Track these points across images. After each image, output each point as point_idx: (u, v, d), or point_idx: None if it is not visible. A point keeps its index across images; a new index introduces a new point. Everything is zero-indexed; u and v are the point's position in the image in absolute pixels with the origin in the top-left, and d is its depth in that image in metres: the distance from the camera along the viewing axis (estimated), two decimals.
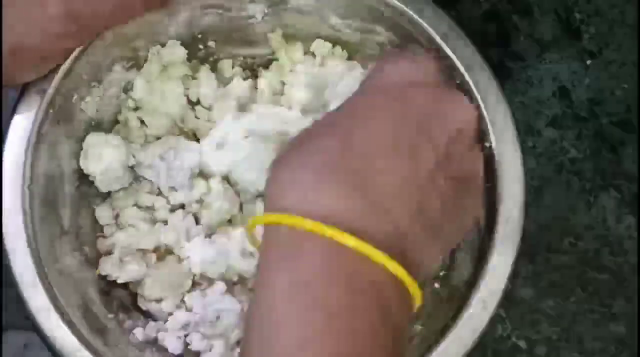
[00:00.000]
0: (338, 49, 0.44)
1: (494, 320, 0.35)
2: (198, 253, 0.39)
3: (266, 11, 0.42)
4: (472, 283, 0.35)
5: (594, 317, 0.48)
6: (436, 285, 0.39)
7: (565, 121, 0.51)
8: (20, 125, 0.36)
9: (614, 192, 0.50)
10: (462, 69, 0.37)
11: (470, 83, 0.37)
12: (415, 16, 0.38)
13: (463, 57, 0.37)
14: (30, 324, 0.45)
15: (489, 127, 0.36)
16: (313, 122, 0.31)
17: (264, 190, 0.29)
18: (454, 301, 0.36)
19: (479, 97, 0.36)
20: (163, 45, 0.42)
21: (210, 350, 0.39)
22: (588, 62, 0.52)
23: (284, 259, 0.26)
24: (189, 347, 0.39)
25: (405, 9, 0.38)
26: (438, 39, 0.37)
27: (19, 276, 0.35)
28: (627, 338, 0.48)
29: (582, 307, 0.48)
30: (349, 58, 0.44)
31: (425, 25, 0.38)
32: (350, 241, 0.25)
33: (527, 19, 0.52)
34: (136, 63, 0.41)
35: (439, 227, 0.29)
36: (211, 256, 0.39)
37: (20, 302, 0.45)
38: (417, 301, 0.27)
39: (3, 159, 0.36)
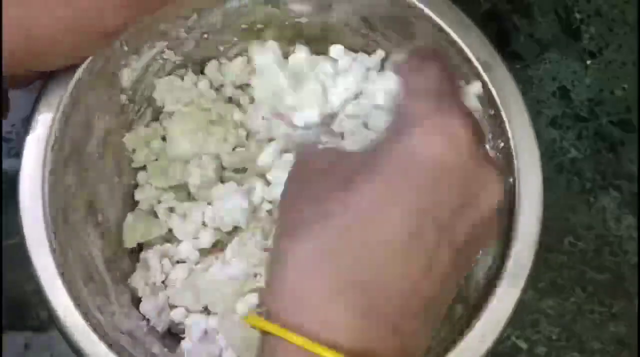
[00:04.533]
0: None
1: None
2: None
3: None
4: (475, 311, 0.35)
5: (594, 317, 0.48)
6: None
7: (565, 121, 0.51)
8: (54, 87, 0.36)
9: (614, 192, 0.50)
10: (496, 96, 0.37)
11: (503, 114, 0.37)
12: (456, 37, 0.38)
13: (497, 83, 0.37)
14: (30, 325, 0.45)
15: (515, 162, 0.36)
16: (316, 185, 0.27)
17: (267, 285, 0.27)
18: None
19: (508, 126, 0.37)
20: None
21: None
22: (588, 62, 0.52)
23: None
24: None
25: (446, 28, 0.38)
26: (475, 62, 0.38)
27: (30, 244, 0.35)
28: (627, 338, 0.48)
29: (582, 307, 0.48)
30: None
31: (465, 49, 0.38)
32: None
33: (527, 19, 0.52)
34: (173, 46, 0.42)
35: (438, 316, 0.27)
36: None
37: (21, 303, 0.45)
38: None
39: (33, 120, 0.36)
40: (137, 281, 0.41)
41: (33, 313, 0.45)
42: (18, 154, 0.36)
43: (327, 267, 0.25)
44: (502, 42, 0.52)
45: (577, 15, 0.53)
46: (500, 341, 0.34)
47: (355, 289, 0.25)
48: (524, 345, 0.47)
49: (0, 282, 0.44)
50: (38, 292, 0.34)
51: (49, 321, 0.44)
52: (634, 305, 0.48)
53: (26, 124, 0.36)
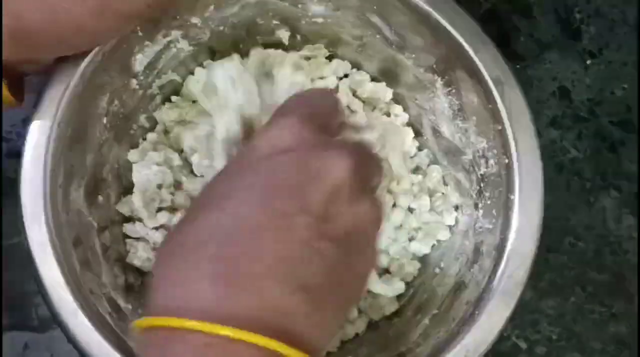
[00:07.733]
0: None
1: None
2: None
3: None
4: (463, 326, 0.35)
5: (594, 317, 0.48)
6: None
7: (565, 121, 0.51)
8: (66, 65, 0.36)
9: (614, 192, 0.50)
10: (503, 114, 0.37)
11: (509, 133, 0.37)
12: (475, 57, 0.38)
13: (506, 101, 0.37)
14: (30, 325, 0.45)
15: (517, 180, 0.36)
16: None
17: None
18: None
19: (514, 146, 0.37)
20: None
21: None
22: (588, 62, 0.52)
23: None
24: None
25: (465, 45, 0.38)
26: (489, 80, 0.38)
27: (24, 207, 0.35)
28: (627, 338, 0.48)
29: (582, 307, 0.48)
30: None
31: (481, 67, 0.38)
32: (224, 331, 0.25)
33: (527, 19, 0.52)
34: (188, 36, 0.42)
35: (327, 295, 0.28)
36: None
37: (21, 303, 0.45)
38: None
39: (42, 97, 0.36)
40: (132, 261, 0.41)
41: (33, 313, 0.45)
42: (18, 154, 0.36)
43: (189, 253, 0.27)
44: (502, 42, 0.52)
45: (577, 15, 0.53)
46: (500, 340, 0.34)
47: (217, 261, 0.26)
48: (524, 345, 0.48)
49: (0, 282, 0.44)
50: (38, 292, 0.34)
51: (49, 321, 0.44)
52: (634, 305, 0.48)
53: (28, 120, 0.36)
